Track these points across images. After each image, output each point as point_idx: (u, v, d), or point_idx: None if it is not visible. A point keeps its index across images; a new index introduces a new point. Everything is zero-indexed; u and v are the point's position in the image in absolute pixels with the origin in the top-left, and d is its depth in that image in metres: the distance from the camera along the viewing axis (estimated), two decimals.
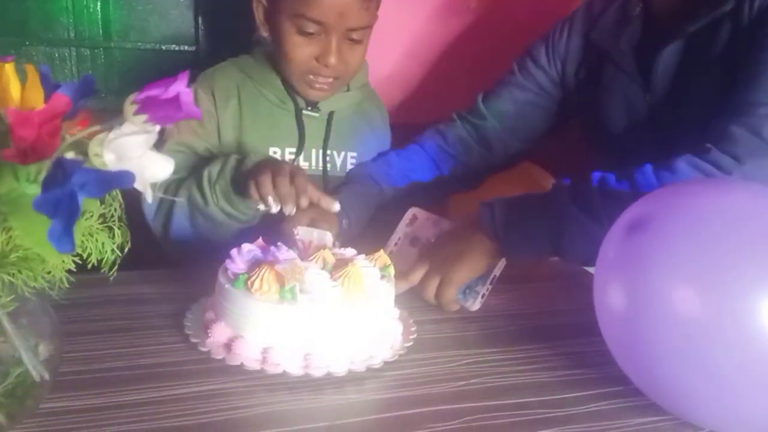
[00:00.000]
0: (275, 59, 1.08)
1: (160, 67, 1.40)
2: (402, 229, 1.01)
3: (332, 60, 1.02)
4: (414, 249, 0.98)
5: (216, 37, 1.42)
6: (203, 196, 0.97)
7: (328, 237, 0.85)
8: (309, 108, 1.11)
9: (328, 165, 1.13)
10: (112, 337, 0.76)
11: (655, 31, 1.02)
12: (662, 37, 0.99)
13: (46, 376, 0.59)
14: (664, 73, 1.00)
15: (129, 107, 0.42)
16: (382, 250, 0.84)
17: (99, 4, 1.33)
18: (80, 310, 0.79)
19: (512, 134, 1.20)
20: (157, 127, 0.43)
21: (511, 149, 1.21)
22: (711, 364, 0.59)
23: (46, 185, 0.38)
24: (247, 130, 1.08)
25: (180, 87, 0.42)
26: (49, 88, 0.46)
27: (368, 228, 1.09)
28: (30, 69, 0.47)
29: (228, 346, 0.73)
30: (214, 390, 0.67)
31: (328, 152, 1.13)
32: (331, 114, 1.13)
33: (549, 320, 0.89)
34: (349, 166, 1.16)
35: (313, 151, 1.12)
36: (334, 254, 0.81)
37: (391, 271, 0.82)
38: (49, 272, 0.56)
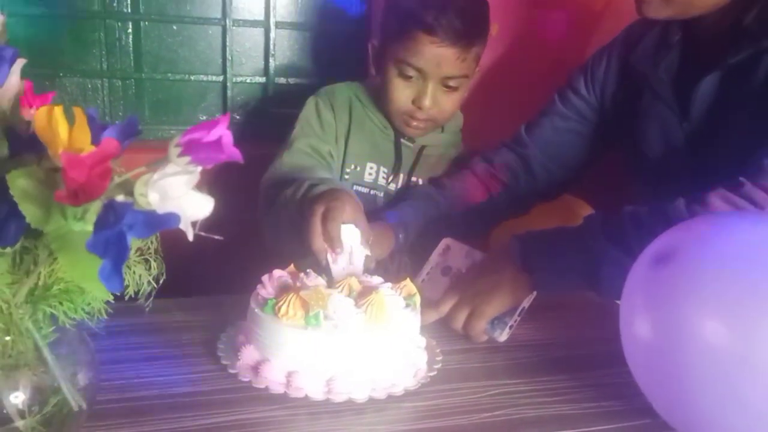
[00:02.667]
0: (380, 94, 1.19)
1: (189, 96, 1.43)
2: (435, 258, 1.02)
3: (426, 103, 1.13)
4: (445, 278, 1.00)
5: (242, 66, 1.45)
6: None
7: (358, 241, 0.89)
8: (405, 138, 1.23)
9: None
10: (147, 366, 0.78)
11: (695, 59, 1.02)
12: (702, 67, 0.99)
13: (83, 405, 0.60)
14: (702, 103, 1.00)
15: (173, 149, 0.44)
16: (408, 279, 0.85)
17: (131, 36, 1.37)
18: (116, 338, 0.81)
19: (555, 162, 1.22)
20: (199, 168, 0.45)
21: (555, 177, 1.23)
22: (740, 396, 0.60)
23: (98, 227, 0.40)
24: (353, 143, 1.21)
25: (221, 130, 0.44)
26: (96, 129, 0.49)
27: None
28: (78, 111, 0.49)
29: (255, 369, 0.75)
30: (243, 420, 0.69)
31: (414, 178, 1.25)
32: (422, 148, 1.24)
33: (574, 350, 0.89)
34: None
35: (402, 175, 1.24)
36: (360, 282, 0.83)
37: (417, 300, 0.83)
38: (88, 304, 0.58)
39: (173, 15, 1.38)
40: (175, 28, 1.39)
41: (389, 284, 0.84)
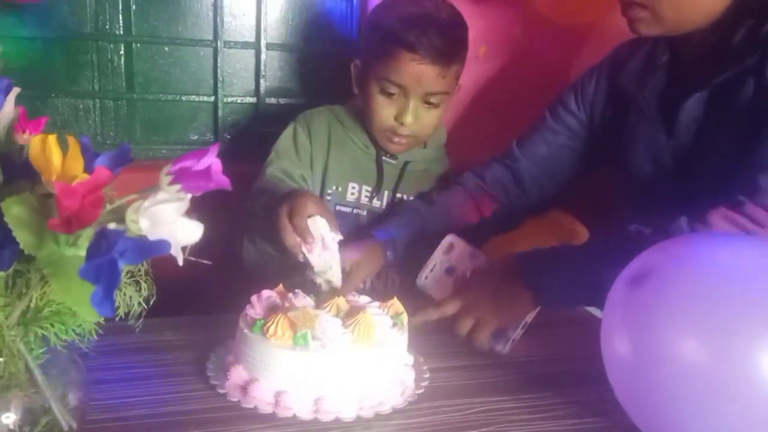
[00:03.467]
0: (362, 114, 1.23)
1: (180, 117, 1.45)
2: (438, 256, 1.05)
3: (408, 119, 1.16)
4: (449, 278, 1.03)
5: (232, 87, 1.47)
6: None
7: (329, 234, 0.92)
8: (388, 156, 1.26)
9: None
10: (137, 385, 0.78)
11: (681, 79, 1.04)
12: (687, 86, 1.01)
13: (74, 425, 0.61)
14: (688, 122, 1.02)
15: (164, 178, 0.46)
16: (395, 298, 0.86)
17: (123, 58, 1.38)
18: (106, 358, 0.82)
19: (545, 176, 1.24)
20: (189, 196, 0.47)
21: (545, 190, 1.26)
22: (715, 413, 0.61)
23: (90, 254, 0.41)
24: (333, 164, 1.23)
25: (211, 159, 0.45)
26: (89, 157, 0.50)
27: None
28: (71, 140, 0.51)
29: (244, 389, 0.76)
30: None
31: (399, 195, 1.27)
32: (406, 164, 1.27)
33: (560, 367, 0.91)
34: None
35: (386, 192, 1.26)
36: (348, 301, 0.84)
37: (404, 319, 0.84)
38: (79, 325, 0.59)
39: (165, 36, 1.40)
40: (166, 49, 1.41)
41: (376, 303, 0.85)
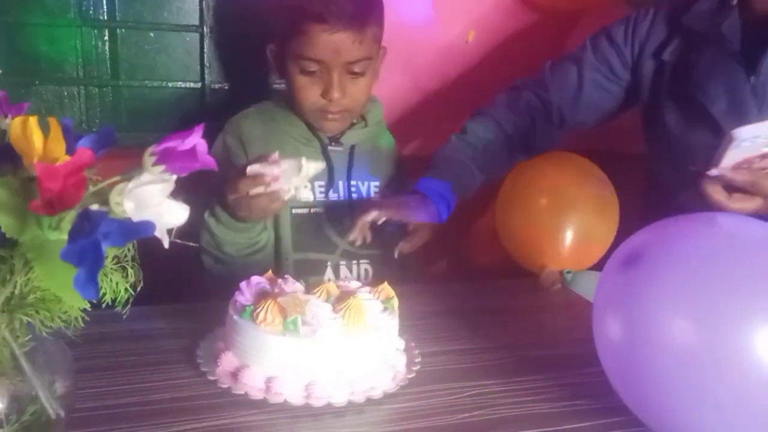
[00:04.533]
0: (292, 101, 1.15)
1: (166, 103, 1.43)
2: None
3: (336, 94, 1.09)
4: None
5: (220, 73, 1.45)
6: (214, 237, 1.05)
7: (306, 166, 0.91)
8: (333, 144, 1.19)
9: (354, 195, 1.20)
10: (126, 373, 0.78)
11: (753, 19, 1.05)
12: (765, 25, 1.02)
13: (62, 413, 0.61)
14: None
15: (148, 158, 0.45)
16: (386, 283, 0.86)
17: (108, 44, 1.36)
18: (94, 346, 0.81)
19: (573, 111, 1.22)
20: (174, 177, 0.46)
21: (568, 124, 1.24)
22: (706, 393, 0.61)
23: (73, 236, 0.40)
24: None
25: (196, 139, 0.44)
26: (71, 139, 0.49)
27: None
28: (53, 122, 0.50)
29: (235, 376, 0.76)
30: (223, 425, 0.69)
31: (353, 183, 1.20)
32: (352, 147, 1.20)
33: (551, 351, 0.91)
34: (373, 194, 1.23)
35: (340, 183, 1.19)
36: (338, 287, 0.84)
37: (395, 303, 0.84)
38: (65, 312, 0.58)
39: (150, 22, 1.37)
40: (152, 35, 1.39)
41: (367, 288, 0.85)
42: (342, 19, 1.04)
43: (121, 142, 1.46)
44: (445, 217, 1.11)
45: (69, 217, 0.44)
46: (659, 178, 1.26)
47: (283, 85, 1.23)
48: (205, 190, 1.06)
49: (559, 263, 1.22)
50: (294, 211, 1.16)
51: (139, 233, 0.42)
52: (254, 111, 1.21)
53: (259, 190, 0.92)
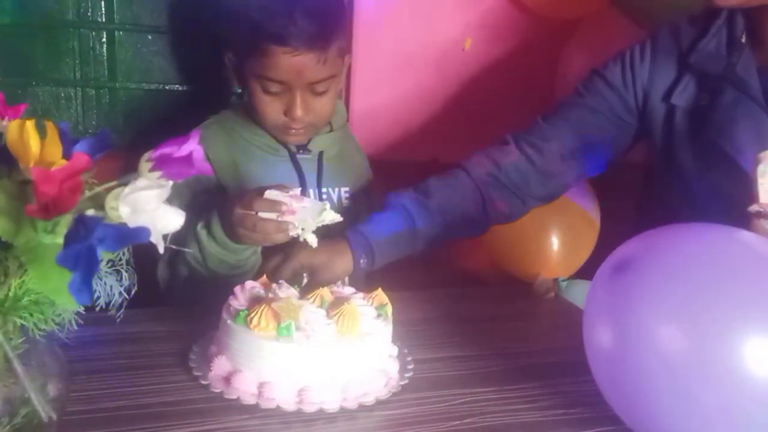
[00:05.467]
0: (254, 112, 1.11)
1: (163, 106, 1.43)
2: None
3: (298, 113, 1.06)
4: None
5: (218, 76, 1.45)
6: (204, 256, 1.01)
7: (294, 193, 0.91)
8: (301, 152, 1.15)
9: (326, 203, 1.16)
10: (119, 376, 0.78)
11: (766, 56, 1.00)
12: None
13: (54, 415, 0.60)
14: None
15: (144, 164, 0.45)
16: (380, 289, 0.86)
17: (105, 46, 1.37)
18: (88, 348, 0.81)
19: (578, 158, 1.12)
20: (170, 183, 0.46)
21: (570, 178, 1.14)
22: (695, 401, 0.62)
23: (68, 240, 0.40)
24: (246, 179, 1.11)
25: (192, 146, 0.45)
26: (68, 143, 0.49)
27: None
28: (49, 125, 0.50)
29: (227, 380, 0.76)
30: (215, 430, 0.69)
31: (324, 190, 1.17)
32: (320, 154, 1.17)
33: (543, 358, 0.91)
34: (344, 201, 1.20)
35: (311, 191, 1.15)
36: (332, 292, 0.84)
37: (389, 310, 0.84)
38: (59, 315, 0.58)
39: (148, 24, 1.38)
40: (150, 37, 1.39)
41: (361, 294, 0.85)
42: (303, 40, 1.00)
43: (118, 144, 1.47)
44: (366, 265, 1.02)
45: (64, 221, 0.44)
46: (663, 199, 1.18)
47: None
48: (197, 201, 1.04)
49: (549, 270, 1.22)
50: None
51: (134, 239, 0.42)
52: (214, 123, 1.16)
53: (272, 215, 0.90)
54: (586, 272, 1.26)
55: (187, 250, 0.97)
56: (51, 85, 1.36)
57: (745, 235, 0.71)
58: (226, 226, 0.97)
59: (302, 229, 0.90)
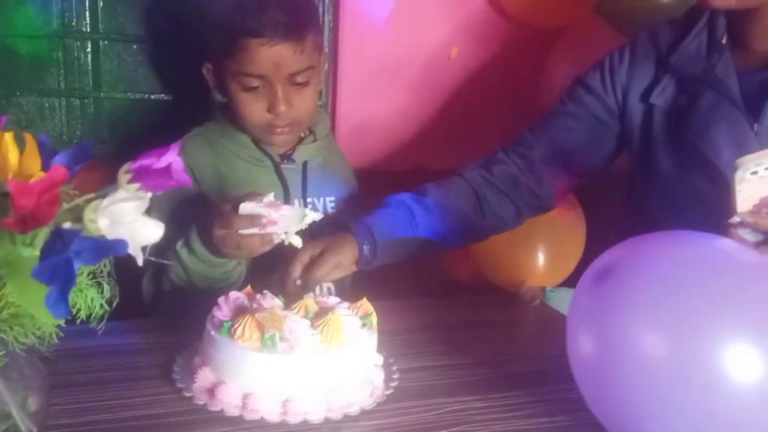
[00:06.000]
0: (236, 119, 1.12)
1: (148, 116, 1.43)
2: None
3: (282, 108, 1.06)
4: None
5: (203, 85, 1.45)
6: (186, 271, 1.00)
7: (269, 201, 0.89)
8: (285, 161, 1.15)
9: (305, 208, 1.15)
10: (101, 389, 0.77)
11: (744, 60, 1.01)
12: (760, 67, 0.98)
13: (35, 429, 0.60)
14: None
15: (123, 176, 0.45)
16: (365, 298, 0.86)
17: (89, 55, 1.36)
18: (70, 361, 0.80)
19: (563, 165, 1.14)
20: (149, 194, 0.46)
21: (556, 184, 1.15)
22: (677, 407, 0.62)
23: (45, 253, 0.40)
24: (229, 191, 1.10)
25: (171, 157, 0.45)
26: (47, 155, 0.49)
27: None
28: (28, 137, 0.50)
29: (211, 392, 0.75)
30: None
31: (309, 200, 1.16)
32: (305, 163, 1.17)
33: (528, 366, 0.91)
34: (329, 210, 1.19)
35: (296, 201, 1.15)
36: (317, 302, 0.84)
37: (374, 319, 0.84)
38: (39, 328, 0.58)
39: (133, 34, 1.38)
40: (134, 47, 1.39)
41: (346, 304, 0.85)
42: (278, 30, 1.02)
43: (103, 153, 1.45)
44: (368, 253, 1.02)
45: (42, 234, 0.44)
46: (643, 205, 1.17)
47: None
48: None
49: (535, 280, 1.23)
50: None
51: (111, 251, 0.42)
52: (196, 136, 1.15)
53: (253, 230, 0.89)
54: (573, 282, 1.26)
55: (167, 262, 0.96)
56: (35, 95, 1.36)
57: (725, 242, 0.71)
58: (207, 244, 0.96)
59: (285, 233, 0.90)
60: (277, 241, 0.91)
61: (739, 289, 0.64)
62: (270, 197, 0.90)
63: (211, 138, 1.14)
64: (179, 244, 0.98)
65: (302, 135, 1.19)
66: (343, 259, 0.99)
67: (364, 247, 1.01)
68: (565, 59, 1.50)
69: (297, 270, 0.96)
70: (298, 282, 0.95)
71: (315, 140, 1.19)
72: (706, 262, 0.67)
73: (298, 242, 0.91)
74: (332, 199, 1.21)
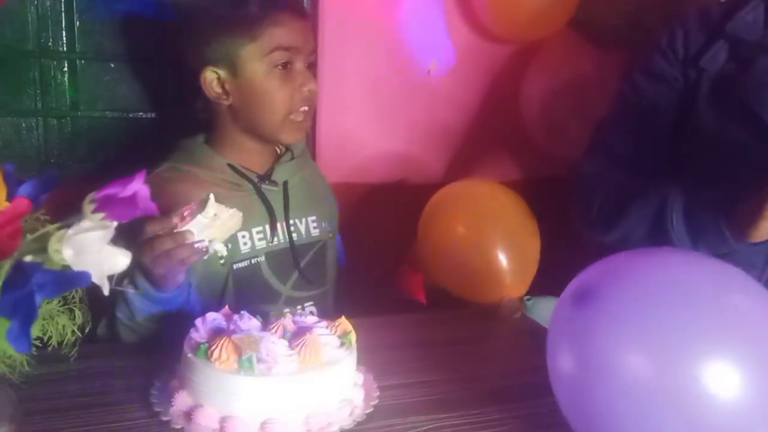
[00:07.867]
0: (219, 141, 1.12)
1: (127, 134, 1.42)
2: None
3: (312, 84, 1.09)
4: None
5: (181, 103, 1.44)
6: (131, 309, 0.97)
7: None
8: (267, 182, 1.13)
9: (294, 235, 1.15)
10: (76, 414, 0.76)
11: None
12: None
13: None
14: None
15: (87, 205, 0.45)
16: (343, 317, 0.86)
17: (66, 75, 1.35)
18: (44, 387, 0.79)
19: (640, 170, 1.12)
20: (114, 223, 0.46)
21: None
22: (658, 426, 0.62)
23: (6, 288, 0.40)
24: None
25: (137, 185, 0.44)
26: (12, 184, 0.49)
27: None
28: None
29: (188, 415, 0.74)
30: None
31: (292, 222, 1.15)
32: (285, 183, 1.15)
33: (509, 381, 0.91)
34: (312, 231, 1.18)
35: (278, 225, 1.13)
36: (294, 322, 0.83)
37: (352, 338, 0.83)
38: (9, 356, 0.57)
39: (110, 53, 1.37)
40: (112, 65, 1.38)
41: (324, 323, 0.84)
42: (298, 6, 1.13)
43: (81, 173, 1.43)
44: None
45: (4, 267, 0.44)
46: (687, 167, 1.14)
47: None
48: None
49: (507, 290, 1.22)
50: (235, 266, 1.09)
51: (74, 284, 0.42)
52: (168, 169, 1.10)
53: (162, 227, 0.87)
54: (542, 286, 1.26)
55: (131, 290, 0.93)
56: (12, 115, 1.34)
57: (706, 261, 0.72)
58: (145, 273, 0.93)
59: (210, 241, 0.88)
60: (204, 249, 0.88)
61: (721, 309, 0.64)
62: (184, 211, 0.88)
63: (183, 170, 1.10)
64: (124, 284, 0.93)
65: (278, 152, 1.19)
66: None
67: None
68: (542, 72, 1.52)
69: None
70: None
71: (292, 158, 1.18)
72: (687, 281, 0.67)
73: (222, 249, 0.91)
74: (314, 218, 1.20)
